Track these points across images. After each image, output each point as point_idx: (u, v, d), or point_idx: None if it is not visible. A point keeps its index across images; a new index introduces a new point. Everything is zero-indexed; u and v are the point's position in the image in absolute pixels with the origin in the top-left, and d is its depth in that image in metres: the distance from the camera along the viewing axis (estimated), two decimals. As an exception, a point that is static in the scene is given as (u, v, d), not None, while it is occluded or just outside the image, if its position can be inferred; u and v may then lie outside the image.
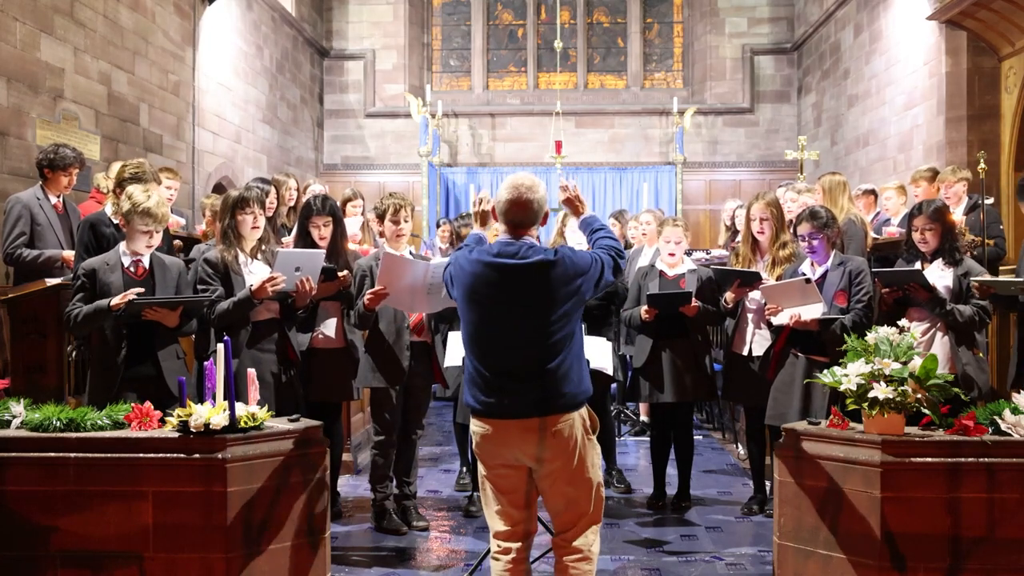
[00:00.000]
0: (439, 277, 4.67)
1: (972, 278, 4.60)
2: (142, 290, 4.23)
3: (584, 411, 3.30)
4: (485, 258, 3.29)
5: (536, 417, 3.19)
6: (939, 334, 4.65)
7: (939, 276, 4.66)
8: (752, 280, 5.11)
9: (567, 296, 3.24)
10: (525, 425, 3.20)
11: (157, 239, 4.38)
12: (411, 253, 5.07)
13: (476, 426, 3.31)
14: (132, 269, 4.33)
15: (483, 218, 3.73)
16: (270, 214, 5.59)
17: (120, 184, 5.14)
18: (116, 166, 5.74)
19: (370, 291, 4.66)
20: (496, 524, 3.35)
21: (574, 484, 3.27)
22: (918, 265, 4.74)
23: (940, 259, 4.72)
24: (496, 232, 5.37)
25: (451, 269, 3.44)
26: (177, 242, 6.09)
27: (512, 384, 3.21)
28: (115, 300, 4.16)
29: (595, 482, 3.32)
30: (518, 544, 3.33)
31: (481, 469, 3.38)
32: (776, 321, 4.90)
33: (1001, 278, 4.70)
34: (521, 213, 3.31)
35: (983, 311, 4.59)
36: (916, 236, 4.75)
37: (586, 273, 3.29)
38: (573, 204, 3.71)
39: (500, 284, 3.24)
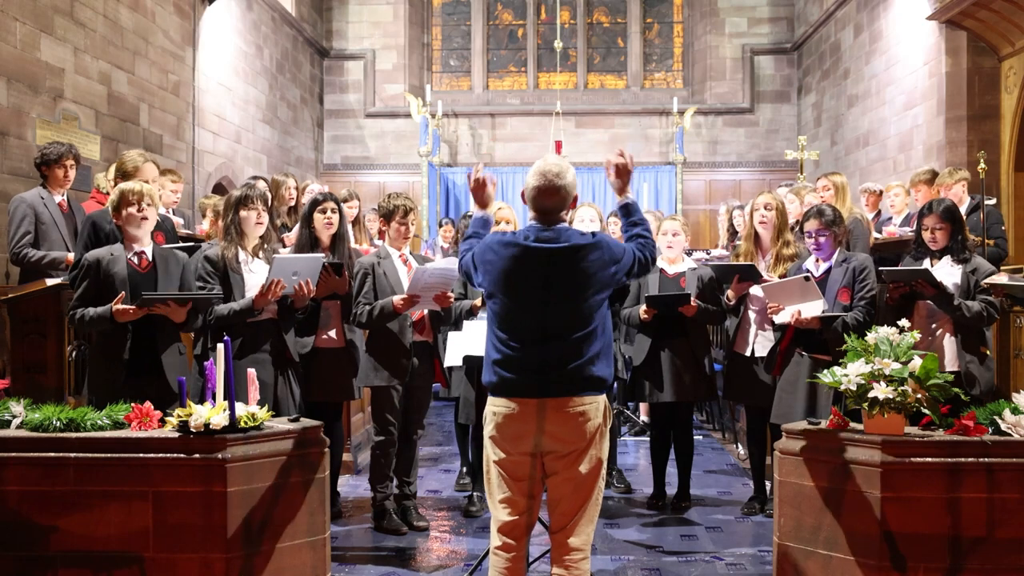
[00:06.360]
0: (444, 276, 4.70)
1: (985, 280, 4.59)
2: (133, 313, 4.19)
3: (605, 398, 3.30)
4: (523, 241, 3.24)
5: (566, 396, 3.17)
6: (947, 333, 4.65)
7: (947, 273, 4.66)
8: (750, 274, 5.11)
9: (603, 280, 3.24)
10: (556, 404, 3.17)
11: (150, 215, 4.30)
12: (411, 254, 5.09)
13: (499, 406, 3.23)
14: (136, 261, 4.31)
15: (479, 192, 3.58)
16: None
17: (122, 175, 5.16)
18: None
19: (402, 297, 4.75)
20: (500, 514, 3.29)
21: (587, 471, 3.23)
22: (926, 263, 4.75)
23: (949, 256, 4.72)
24: (506, 218, 5.37)
25: (477, 254, 3.34)
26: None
27: (544, 364, 3.18)
28: (116, 308, 4.11)
29: (602, 474, 3.30)
30: (519, 540, 3.30)
31: (492, 454, 3.28)
32: (778, 320, 4.91)
33: (1016, 281, 4.68)
34: (550, 201, 3.27)
35: (991, 306, 4.58)
36: (926, 235, 4.76)
37: (620, 261, 3.29)
38: (623, 177, 3.48)
39: (538, 267, 3.21)
